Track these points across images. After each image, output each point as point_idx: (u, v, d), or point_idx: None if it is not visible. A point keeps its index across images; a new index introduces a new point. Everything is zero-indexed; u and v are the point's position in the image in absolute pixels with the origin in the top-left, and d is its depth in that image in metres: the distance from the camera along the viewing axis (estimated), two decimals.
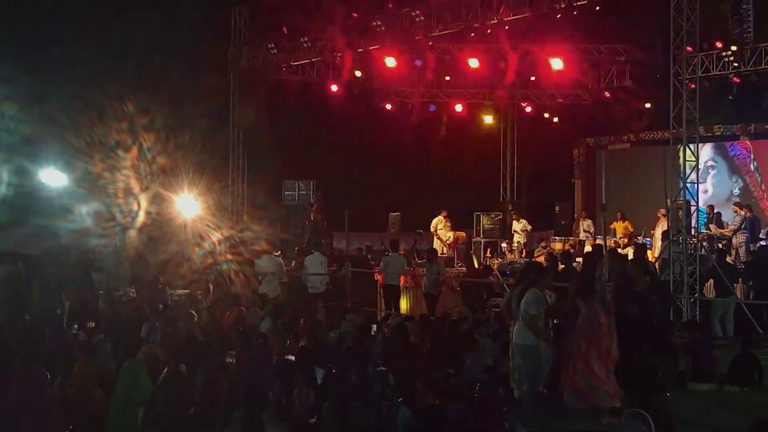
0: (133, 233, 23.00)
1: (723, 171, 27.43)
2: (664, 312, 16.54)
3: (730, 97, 23.38)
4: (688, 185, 17.57)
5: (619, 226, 24.55)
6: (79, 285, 17.11)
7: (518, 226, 26.33)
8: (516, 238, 26.08)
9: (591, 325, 10.94)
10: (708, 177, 27.18)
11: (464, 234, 25.95)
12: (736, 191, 26.56)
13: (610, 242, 21.61)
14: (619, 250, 21.49)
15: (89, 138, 24.45)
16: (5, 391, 8.65)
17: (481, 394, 8.62)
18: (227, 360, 10.91)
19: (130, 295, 17.73)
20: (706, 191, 25.89)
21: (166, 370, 9.59)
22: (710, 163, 27.38)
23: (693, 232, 17.88)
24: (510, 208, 28.25)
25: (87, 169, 24.62)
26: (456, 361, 11.88)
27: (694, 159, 17.71)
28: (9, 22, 25.03)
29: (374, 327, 14.55)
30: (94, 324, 14.65)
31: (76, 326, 13.17)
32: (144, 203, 24.01)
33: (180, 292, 19.50)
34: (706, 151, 26.82)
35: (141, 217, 23.56)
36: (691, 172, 17.61)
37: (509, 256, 24.93)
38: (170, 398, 8.84)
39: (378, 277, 21.54)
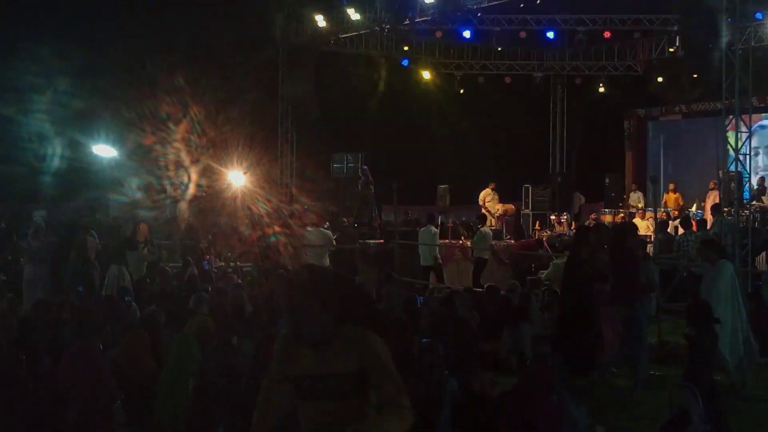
0: (183, 205, 23.21)
1: None
2: None
3: None
4: (740, 157, 17.34)
5: (671, 198, 24.31)
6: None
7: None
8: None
9: None
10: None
11: (513, 206, 25.82)
12: None
13: (661, 214, 21.44)
14: (670, 222, 21.40)
15: (140, 111, 24.67)
16: (58, 362, 8.78)
17: (529, 367, 8.62)
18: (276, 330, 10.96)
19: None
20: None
21: (216, 341, 9.67)
22: None
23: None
24: (559, 180, 28.07)
25: (138, 141, 24.86)
26: (504, 334, 11.88)
27: (746, 130, 17.46)
28: None
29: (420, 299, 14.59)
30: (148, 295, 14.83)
31: (127, 297, 13.29)
32: (194, 176, 24.20)
33: (229, 263, 19.65)
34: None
35: (191, 190, 23.76)
36: (743, 144, 17.35)
37: (558, 229, 24.80)
38: (220, 369, 8.92)
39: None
